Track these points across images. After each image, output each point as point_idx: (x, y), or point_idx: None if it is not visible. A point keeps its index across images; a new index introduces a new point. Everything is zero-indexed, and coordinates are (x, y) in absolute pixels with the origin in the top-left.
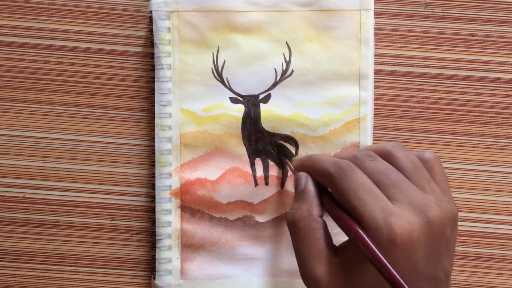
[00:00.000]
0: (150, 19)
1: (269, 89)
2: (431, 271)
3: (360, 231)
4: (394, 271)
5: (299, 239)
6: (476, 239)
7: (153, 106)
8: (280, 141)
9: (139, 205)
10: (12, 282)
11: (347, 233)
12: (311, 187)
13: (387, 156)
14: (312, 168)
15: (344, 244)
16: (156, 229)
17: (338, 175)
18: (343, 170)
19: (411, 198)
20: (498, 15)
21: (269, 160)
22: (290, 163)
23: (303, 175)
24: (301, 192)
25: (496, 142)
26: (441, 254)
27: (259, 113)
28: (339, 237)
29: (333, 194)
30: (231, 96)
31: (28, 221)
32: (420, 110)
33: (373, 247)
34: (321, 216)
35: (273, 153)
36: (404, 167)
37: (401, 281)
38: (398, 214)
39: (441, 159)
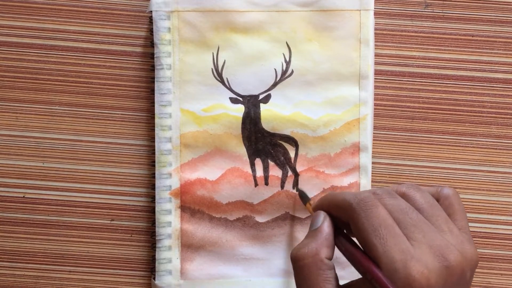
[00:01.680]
0: (150, 19)
1: (269, 89)
2: None
3: (379, 273)
4: None
5: (301, 277)
6: (475, 239)
7: (153, 106)
8: (300, 189)
9: (139, 205)
10: (12, 282)
11: (362, 273)
12: (326, 227)
13: (402, 197)
14: (332, 202)
15: (350, 284)
16: (156, 229)
17: (359, 207)
18: (365, 203)
19: (431, 240)
20: (498, 15)
21: (269, 160)
22: (308, 206)
23: (321, 214)
24: (314, 230)
25: (496, 142)
26: None
27: (259, 113)
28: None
29: (351, 228)
30: (231, 96)
31: (28, 221)
32: (420, 110)
33: None
34: (329, 259)
35: (273, 153)
36: (421, 207)
37: None
38: (418, 258)
39: (441, 159)
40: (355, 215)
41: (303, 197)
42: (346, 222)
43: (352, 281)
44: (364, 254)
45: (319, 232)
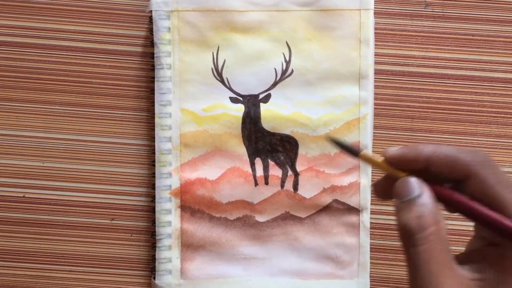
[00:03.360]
0: (150, 19)
1: (269, 88)
2: None
3: None
4: None
5: (427, 250)
6: None
7: (153, 105)
8: (333, 137)
9: (139, 205)
10: (12, 281)
11: (492, 228)
12: (429, 192)
13: None
14: (436, 156)
15: (468, 255)
16: (156, 228)
17: (484, 166)
18: (488, 162)
19: None
20: (498, 15)
21: (269, 160)
22: (366, 156)
23: (414, 180)
24: (417, 197)
25: (496, 141)
26: None
27: (259, 113)
28: None
29: (470, 186)
30: (231, 95)
31: (28, 221)
32: (420, 109)
33: None
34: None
35: (273, 152)
36: None
37: None
38: None
39: None
40: (480, 172)
41: (344, 146)
42: (453, 180)
43: (466, 252)
44: (491, 208)
45: (426, 198)
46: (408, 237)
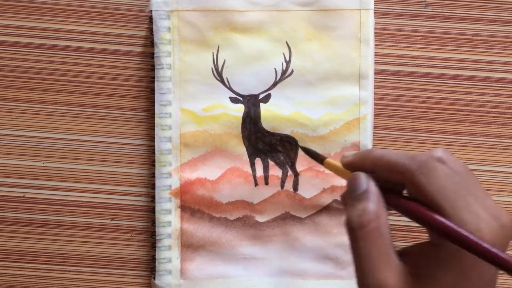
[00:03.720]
0: (150, 19)
1: (269, 88)
2: None
3: (457, 228)
4: (501, 254)
5: (367, 244)
6: None
7: (153, 105)
8: (304, 146)
9: (139, 205)
10: (12, 281)
11: (430, 227)
12: (374, 187)
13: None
14: (381, 161)
15: (408, 250)
16: (156, 229)
17: (420, 171)
18: (425, 166)
19: (484, 201)
20: (498, 15)
21: (269, 160)
22: (330, 163)
23: (362, 175)
24: (363, 193)
25: (497, 142)
26: None
27: (259, 113)
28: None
29: (409, 191)
30: (231, 95)
31: (28, 221)
32: (420, 110)
33: (482, 242)
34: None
35: (273, 153)
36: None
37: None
38: (484, 219)
39: None
40: (416, 178)
41: (312, 153)
42: (396, 183)
43: (408, 247)
44: (428, 208)
45: (370, 193)
46: (351, 232)
